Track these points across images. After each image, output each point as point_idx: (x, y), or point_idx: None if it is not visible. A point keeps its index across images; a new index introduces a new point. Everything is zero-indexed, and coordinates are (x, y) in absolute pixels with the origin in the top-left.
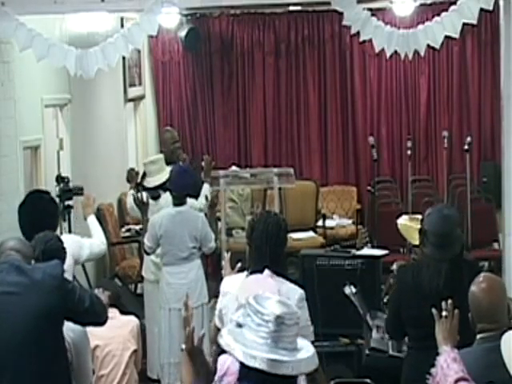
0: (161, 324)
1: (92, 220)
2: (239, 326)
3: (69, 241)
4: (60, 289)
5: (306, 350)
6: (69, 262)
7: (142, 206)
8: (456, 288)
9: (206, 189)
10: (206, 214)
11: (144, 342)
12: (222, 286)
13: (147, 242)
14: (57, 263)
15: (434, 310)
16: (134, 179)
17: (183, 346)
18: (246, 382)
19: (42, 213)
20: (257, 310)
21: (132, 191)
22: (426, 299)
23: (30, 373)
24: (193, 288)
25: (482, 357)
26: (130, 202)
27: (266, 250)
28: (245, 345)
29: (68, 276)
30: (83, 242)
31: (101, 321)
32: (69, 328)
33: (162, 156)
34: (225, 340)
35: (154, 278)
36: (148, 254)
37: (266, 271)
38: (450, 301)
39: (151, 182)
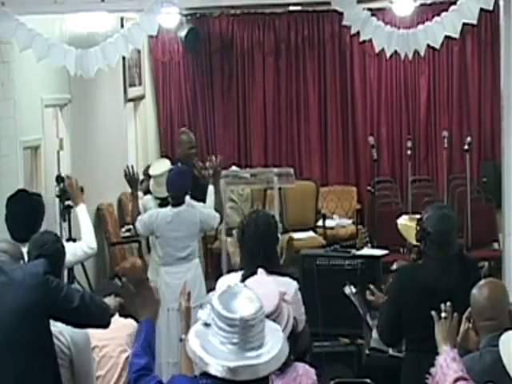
0: (159, 324)
1: (82, 211)
2: (206, 325)
3: None
4: (41, 286)
5: (275, 343)
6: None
7: (133, 180)
8: (464, 285)
9: (211, 190)
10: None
11: None
12: (218, 286)
13: (140, 228)
14: (40, 261)
15: (433, 312)
16: (135, 184)
17: (183, 336)
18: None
19: (27, 212)
20: (221, 314)
21: (140, 193)
22: (432, 299)
23: (9, 371)
24: (191, 288)
25: (490, 365)
26: (141, 203)
27: (259, 251)
28: (210, 353)
29: None
30: (70, 248)
31: (100, 323)
32: (68, 327)
33: (169, 165)
34: (191, 346)
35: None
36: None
37: (260, 270)
38: (448, 303)
39: (161, 192)
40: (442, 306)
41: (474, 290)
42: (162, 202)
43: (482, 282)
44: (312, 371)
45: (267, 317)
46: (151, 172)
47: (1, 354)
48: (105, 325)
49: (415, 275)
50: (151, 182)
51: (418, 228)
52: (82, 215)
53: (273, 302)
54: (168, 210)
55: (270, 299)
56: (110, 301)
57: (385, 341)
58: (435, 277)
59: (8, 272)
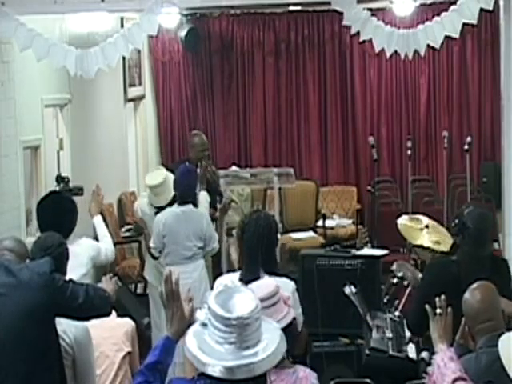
0: (165, 324)
1: (99, 221)
2: (203, 325)
3: (88, 245)
4: (48, 286)
5: (272, 340)
6: (88, 266)
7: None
8: (494, 284)
9: (203, 196)
10: (213, 220)
11: (150, 343)
12: (215, 285)
13: (152, 243)
14: (46, 261)
15: (427, 308)
16: (142, 229)
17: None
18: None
19: (62, 213)
20: (217, 313)
21: (143, 196)
22: (461, 296)
23: (17, 373)
24: (197, 288)
25: (486, 366)
26: (139, 205)
27: (258, 253)
28: (206, 353)
29: (88, 280)
30: (100, 247)
31: (102, 313)
32: (71, 324)
33: (165, 175)
34: (188, 346)
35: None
36: (155, 258)
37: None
38: (443, 296)
39: (157, 201)
40: (437, 300)
41: (466, 295)
42: (158, 211)
43: (472, 286)
44: (314, 375)
45: (260, 301)
46: (147, 182)
47: (9, 355)
48: (106, 314)
49: (447, 270)
50: (147, 191)
51: (457, 221)
52: (102, 226)
53: (267, 289)
54: (174, 208)
55: (265, 286)
56: (107, 281)
57: (412, 330)
58: (467, 273)
59: (15, 272)
